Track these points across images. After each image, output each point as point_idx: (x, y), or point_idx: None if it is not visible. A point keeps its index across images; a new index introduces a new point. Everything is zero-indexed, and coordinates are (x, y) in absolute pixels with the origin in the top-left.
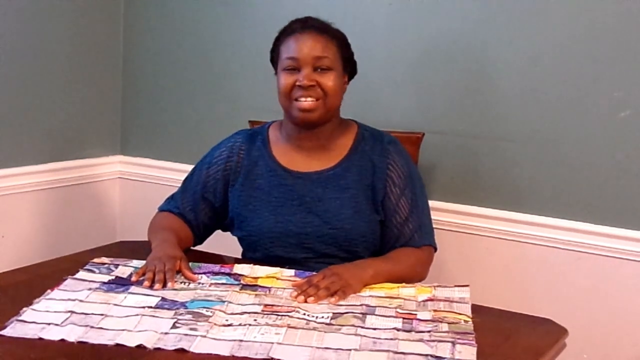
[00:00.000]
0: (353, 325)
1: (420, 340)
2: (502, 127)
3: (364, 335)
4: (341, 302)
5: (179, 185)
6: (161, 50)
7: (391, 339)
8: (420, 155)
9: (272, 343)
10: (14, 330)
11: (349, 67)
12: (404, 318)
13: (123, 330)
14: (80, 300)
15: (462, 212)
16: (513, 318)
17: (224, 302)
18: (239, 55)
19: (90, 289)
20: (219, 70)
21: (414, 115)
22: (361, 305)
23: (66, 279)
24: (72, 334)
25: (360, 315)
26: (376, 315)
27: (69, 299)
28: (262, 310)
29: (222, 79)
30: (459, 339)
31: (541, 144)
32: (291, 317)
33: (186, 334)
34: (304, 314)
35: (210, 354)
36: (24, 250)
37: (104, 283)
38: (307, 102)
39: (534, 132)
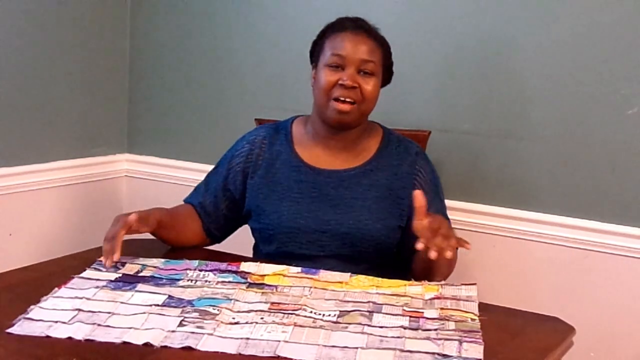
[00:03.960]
0: (360, 324)
1: (427, 338)
2: (509, 125)
3: (371, 334)
4: (347, 299)
5: (186, 183)
6: (168, 49)
7: (398, 337)
8: (427, 153)
9: (279, 341)
10: (21, 328)
11: (387, 76)
12: (410, 316)
13: (130, 328)
14: (88, 299)
15: (468, 210)
16: (520, 316)
17: (230, 300)
18: (246, 53)
19: (97, 287)
20: (225, 68)
21: (421, 114)
22: (368, 302)
23: (73, 278)
24: (79, 332)
25: (367, 314)
26: (383, 313)
27: (76, 297)
28: (269, 309)
29: (229, 78)
30: (465, 337)
31: (548, 142)
32: (298, 315)
33: (193, 332)
34: (311, 312)
35: (217, 352)
36: (31, 248)
37: (111, 281)
38: (345, 103)
39: (541, 129)
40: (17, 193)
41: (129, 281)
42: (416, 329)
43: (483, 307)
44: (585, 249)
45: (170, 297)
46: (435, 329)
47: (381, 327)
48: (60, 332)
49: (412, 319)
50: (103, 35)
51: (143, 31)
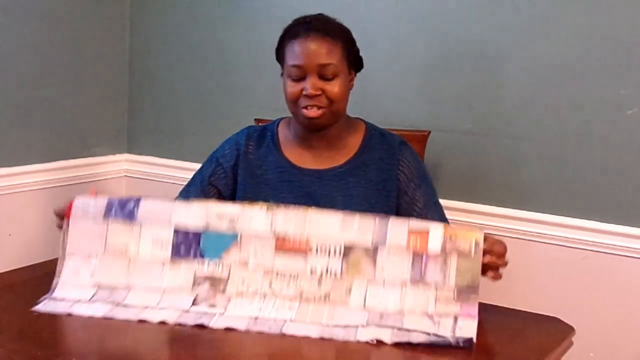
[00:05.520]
0: (363, 279)
1: (425, 314)
2: (509, 125)
3: (372, 309)
4: (355, 226)
5: (185, 183)
6: (167, 49)
7: (398, 312)
8: (426, 153)
9: (285, 320)
10: (45, 307)
11: (355, 63)
12: (414, 252)
13: (146, 307)
14: (102, 254)
15: (468, 210)
16: (519, 316)
17: (236, 235)
18: (244, 53)
19: (104, 242)
20: (225, 68)
21: (420, 113)
22: (373, 228)
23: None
24: (100, 311)
25: (372, 251)
26: (387, 248)
27: (89, 256)
28: (276, 249)
29: (228, 78)
30: (463, 305)
31: (548, 142)
32: (304, 274)
33: (206, 313)
34: (317, 253)
35: (228, 327)
36: (31, 248)
37: (112, 203)
38: (313, 110)
39: (541, 130)
40: (17, 193)
41: (127, 201)
42: (417, 283)
43: (483, 307)
44: (585, 249)
45: (176, 232)
46: (435, 283)
47: (384, 282)
48: (81, 310)
49: (415, 259)
50: (103, 35)
51: (143, 31)
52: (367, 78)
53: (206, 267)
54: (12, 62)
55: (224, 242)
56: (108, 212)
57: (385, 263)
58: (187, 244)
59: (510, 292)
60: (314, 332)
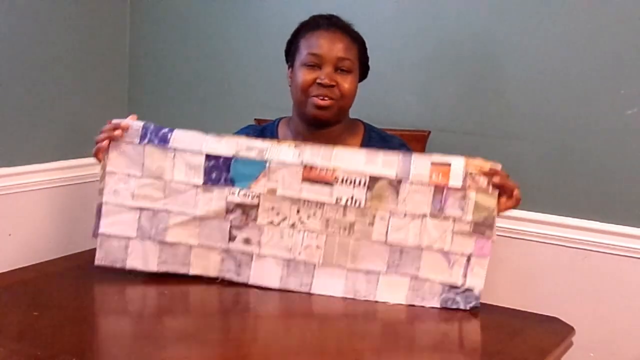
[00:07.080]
0: (386, 209)
1: (441, 251)
2: (509, 124)
3: (393, 244)
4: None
5: None
6: (167, 48)
7: (416, 247)
8: (426, 153)
9: (314, 265)
10: (105, 255)
11: (363, 72)
12: (435, 186)
13: (190, 247)
14: (140, 176)
15: None
16: (520, 316)
17: (265, 163)
18: (245, 53)
19: (141, 165)
20: (225, 68)
21: (421, 113)
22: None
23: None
24: (151, 263)
25: (395, 183)
26: (410, 183)
27: (128, 175)
28: (303, 177)
29: (229, 78)
30: (477, 239)
31: (548, 142)
32: (329, 203)
33: (243, 253)
34: (342, 183)
35: (262, 286)
36: (32, 248)
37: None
38: (323, 100)
39: (541, 129)
40: (16, 193)
41: (162, 128)
42: (436, 216)
43: (483, 307)
44: (585, 249)
45: (207, 158)
46: (454, 216)
47: (405, 215)
48: (135, 262)
49: (436, 192)
50: (103, 35)
51: (143, 31)
52: (368, 78)
53: (237, 195)
54: (12, 62)
55: (253, 170)
56: (144, 136)
57: (408, 195)
58: (218, 170)
59: (511, 292)
60: (338, 288)
